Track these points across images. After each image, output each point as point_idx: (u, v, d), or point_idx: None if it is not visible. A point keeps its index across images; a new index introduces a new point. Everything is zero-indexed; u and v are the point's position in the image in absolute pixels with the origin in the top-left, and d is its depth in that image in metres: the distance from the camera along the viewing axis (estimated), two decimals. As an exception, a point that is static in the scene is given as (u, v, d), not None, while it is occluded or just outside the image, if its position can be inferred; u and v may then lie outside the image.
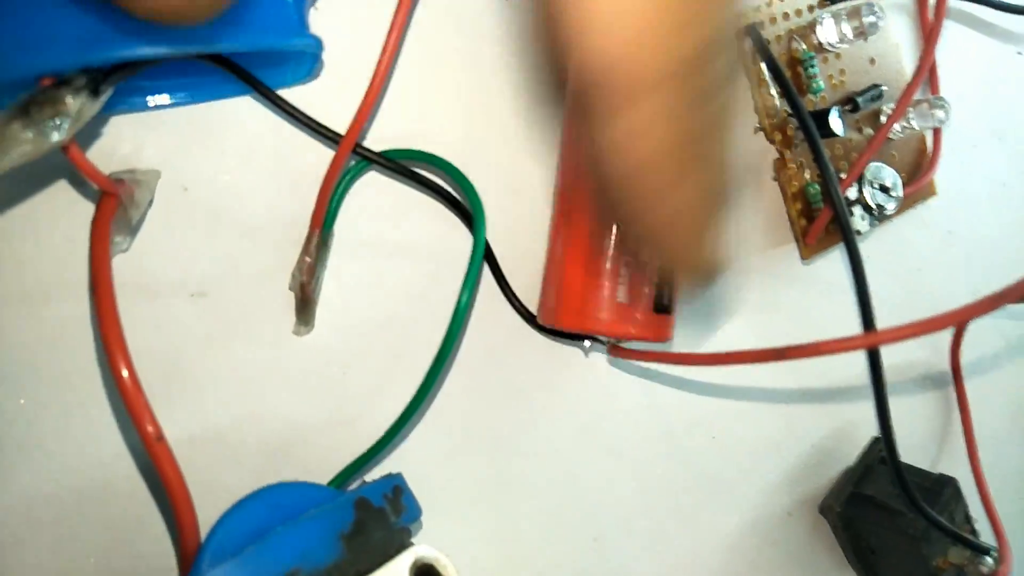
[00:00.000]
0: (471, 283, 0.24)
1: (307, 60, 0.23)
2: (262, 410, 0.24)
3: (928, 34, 0.33)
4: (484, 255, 0.26)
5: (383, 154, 0.25)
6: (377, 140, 0.25)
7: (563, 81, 0.17)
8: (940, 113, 0.31)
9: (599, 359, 0.28)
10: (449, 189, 0.26)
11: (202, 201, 0.24)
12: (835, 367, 0.33)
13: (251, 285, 0.24)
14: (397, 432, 0.24)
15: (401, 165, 0.25)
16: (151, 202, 0.23)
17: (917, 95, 0.33)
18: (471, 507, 0.27)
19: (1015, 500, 0.36)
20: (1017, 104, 0.36)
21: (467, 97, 0.27)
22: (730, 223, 0.16)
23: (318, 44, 0.22)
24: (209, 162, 0.23)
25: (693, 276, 0.17)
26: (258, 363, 0.24)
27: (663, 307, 0.25)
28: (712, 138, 0.15)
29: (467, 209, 0.26)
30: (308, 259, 0.23)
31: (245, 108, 0.24)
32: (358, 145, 0.24)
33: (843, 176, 0.31)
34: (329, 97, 0.24)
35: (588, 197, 0.24)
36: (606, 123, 0.14)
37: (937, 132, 0.33)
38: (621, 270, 0.24)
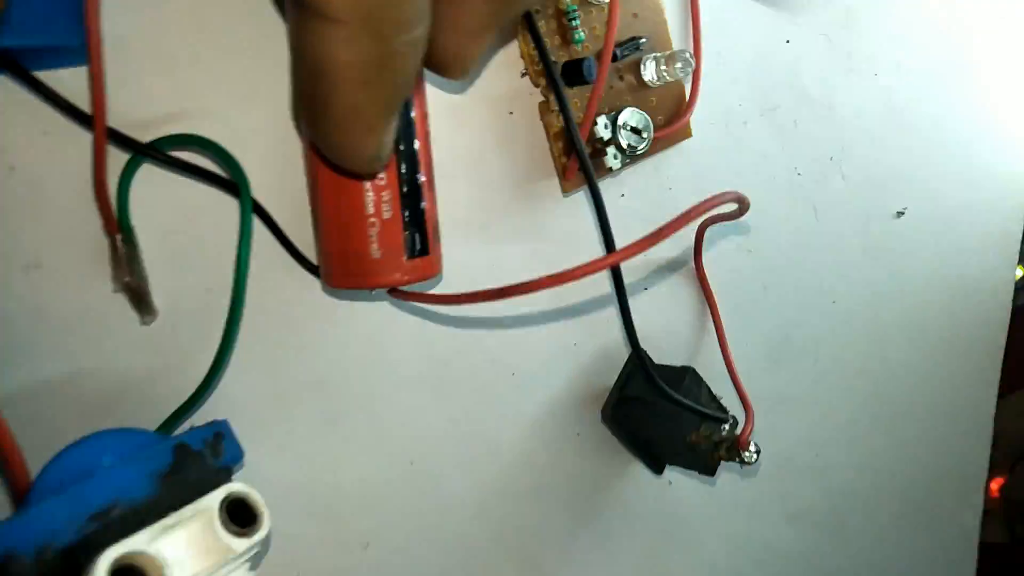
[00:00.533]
0: (245, 239, 0.28)
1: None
2: (98, 365, 0.27)
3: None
4: (267, 223, 0.30)
5: (152, 144, 0.27)
6: (148, 124, 0.28)
7: None
8: (681, 64, 0.35)
9: (383, 297, 0.32)
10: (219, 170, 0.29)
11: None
12: (598, 290, 0.38)
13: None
14: (210, 382, 0.28)
15: (168, 156, 0.27)
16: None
17: (675, 47, 0.37)
18: (294, 447, 0.31)
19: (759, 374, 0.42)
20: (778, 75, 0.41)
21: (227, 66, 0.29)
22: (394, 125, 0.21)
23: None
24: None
25: (356, 166, 0.22)
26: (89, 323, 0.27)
27: (417, 251, 0.29)
28: (390, 65, 0.18)
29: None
30: (120, 264, 0.26)
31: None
32: (118, 134, 0.26)
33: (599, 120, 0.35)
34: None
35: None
36: (313, 27, 0.17)
37: (695, 81, 0.38)
38: (370, 225, 0.28)
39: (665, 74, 0.36)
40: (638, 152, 0.35)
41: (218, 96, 0.30)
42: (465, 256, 0.34)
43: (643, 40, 0.36)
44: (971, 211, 0.48)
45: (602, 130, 0.34)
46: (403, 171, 0.28)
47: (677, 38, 0.37)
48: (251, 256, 0.31)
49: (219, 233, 0.30)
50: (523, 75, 0.34)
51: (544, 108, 0.34)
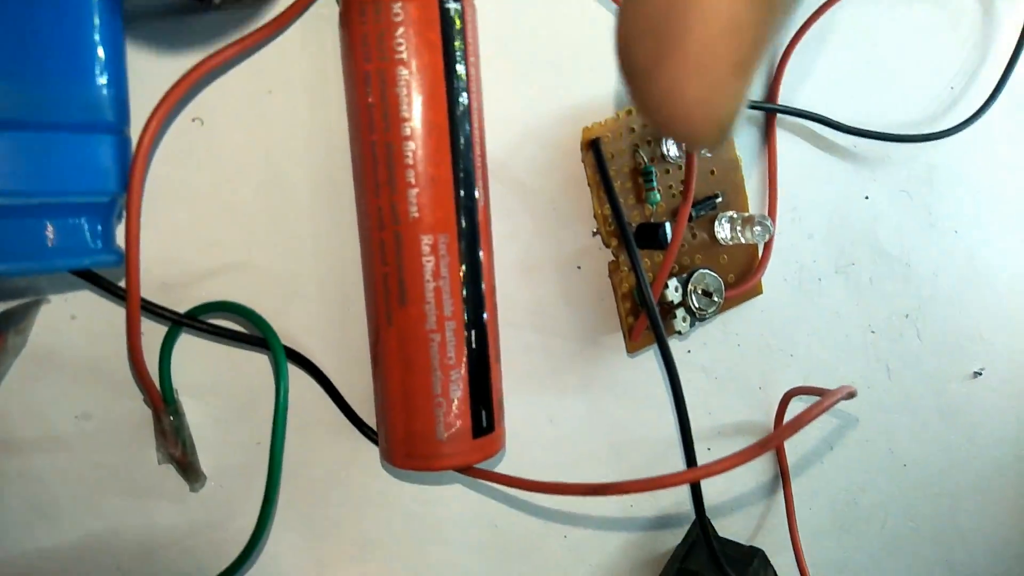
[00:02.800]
0: (282, 404, 0.28)
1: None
2: (142, 521, 0.29)
3: (770, 152, 0.37)
4: (322, 382, 0.30)
5: (188, 315, 0.28)
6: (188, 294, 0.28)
7: None
8: (759, 229, 0.34)
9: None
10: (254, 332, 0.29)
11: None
12: (661, 446, 0.36)
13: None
14: (253, 547, 0.28)
15: (206, 325, 0.28)
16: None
17: (750, 211, 0.36)
18: None
19: (823, 539, 0.40)
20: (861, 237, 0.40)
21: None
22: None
23: (118, 260, 0.24)
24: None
25: (706, 127, 0.15)
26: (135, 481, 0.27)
27: (483, 430, 0.28)
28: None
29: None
30: (166, 436, 0.26)
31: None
32: (155, 306, 0.27)
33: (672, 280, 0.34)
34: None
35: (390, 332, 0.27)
36: None
37: (768, 241, 0.37)
38: (436, 405, 0.27)
39: (740, 236, 0.35)
40: (708, 315, 0.34)
41: (272, 253, 0.29)
42: (526, 408, 0.33)
43: (719, 199, 0.35)
44: (1053, 372, 0.46)
45: (672, 293, 0.33)
46: (472, 347, 0.27)
47: (754, 194, 0.36)
48: (306, 414, 0.30)
49: (270, 387, 0.29)
50: (595, 234, 0.34)
51: (613, 267, 0.33)
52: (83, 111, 0.23)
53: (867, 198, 0.40)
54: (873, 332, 0.41)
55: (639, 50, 0.14)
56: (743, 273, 0.37)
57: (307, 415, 0.30)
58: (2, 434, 0.27)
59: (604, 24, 0.33)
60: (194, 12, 0.27)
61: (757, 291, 0.37)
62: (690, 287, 0.34)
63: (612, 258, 0.33)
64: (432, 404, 0.27)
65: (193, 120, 0.28)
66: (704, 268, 0.34)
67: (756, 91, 0.37)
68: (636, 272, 0.31)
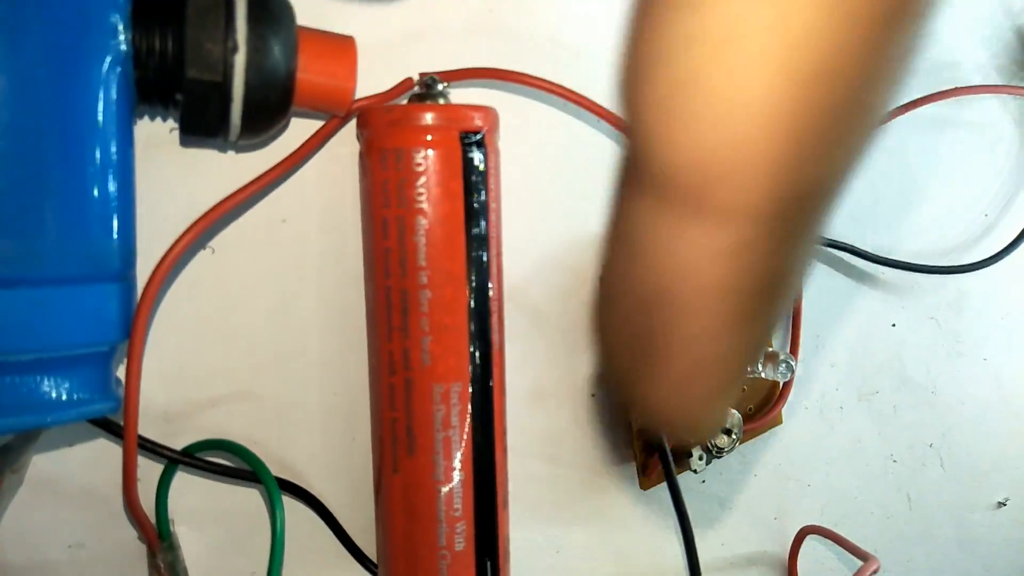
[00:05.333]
0: (279, 542, 0.27)
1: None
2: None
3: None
4: (326, 519, 0.29)
5: (184, 452, 0.27)
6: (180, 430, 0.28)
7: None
8: (782, 368, 0.33)
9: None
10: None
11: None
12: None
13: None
14: None
15: (201, 461, 0.27)
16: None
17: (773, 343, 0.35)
18: None
19: None
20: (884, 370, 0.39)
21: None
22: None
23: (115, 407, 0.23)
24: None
25: (688, 435, 0.14)
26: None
27: None
28: (777, 294, 0.12)
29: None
30: (160, 572, 0.25)
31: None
32: (152, 444, 0.26)
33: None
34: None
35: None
36: (674, 228, 0.11)
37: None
38: (440, 558, 0.26)
39: (762, 372, 0.34)
40: (725, 453, 0.33)
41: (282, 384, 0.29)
42: (531, 537, 0.32)
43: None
44: (1079, 501, 0.44)
45: (690, 430, 0.32)
46: (480, 497, 0.27)
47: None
48: (305, 544, 0.29)
49: (267, 517, 0.29)
50: (612, 366, 0.33)
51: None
52: (86, 263, 0.22)
53: (894, 325, 0.38)
54: (895, 461, 0.39)
55: (619, 360, 0.14)
56: (763, 403, 0.35)
57: (306, 544, 0.29)
58: (-8, 565, 0.26)
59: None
60: (211, 145, 0.27)
61: (776, 422, 0.36)
62: (708, 424, 0.32)
63: (628, 391, 0.32)
64: (436, 556, 0.26)
65: (204, 248, 0.27)
66: (723, 403, 0.33)
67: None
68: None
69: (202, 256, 0.27)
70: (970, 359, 0.40)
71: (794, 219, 0.11)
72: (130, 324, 0.23)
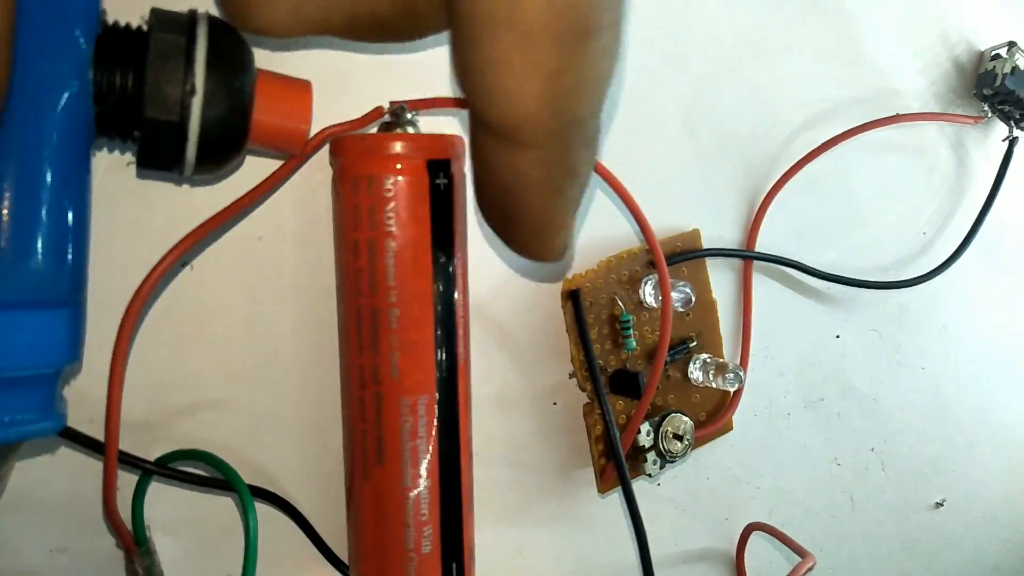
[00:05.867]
0: (251, 548, 0.28)
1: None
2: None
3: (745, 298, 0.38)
4: (302, 526, 0.31)
5: (159, 462, 0.28)
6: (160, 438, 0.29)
7: None
8: (731, 377, 0.35)
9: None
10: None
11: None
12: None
13: None
14: None
15: (176, 471, 0.28)
16: None
17: (725, 351, 0.37)
18: None
19: None
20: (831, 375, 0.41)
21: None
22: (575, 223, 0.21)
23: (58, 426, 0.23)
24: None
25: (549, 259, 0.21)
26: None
27: None
28: (571, 184, 0.19)
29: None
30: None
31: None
32: (129, 456, 0.27)
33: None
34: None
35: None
36: (501, 150, 0.18)
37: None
38: (408, 560, 0.27)
39: (712, 382, 0.36)
40: (678, 458, 0.35)
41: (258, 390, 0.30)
42: (495, 539, 0.34)
43: (693, 343, 0.36)
44: (1012, 501, 0.47)
45: (644, 438, 0.34)
46: (447, 501, 0.28)
47: (728, 335, 0.37)
48: (279, 547, 0.31)
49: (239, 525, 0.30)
50: (571, 376, 0.35)
51: (588, 409, 0.34)
52: (36, 289, 0.21)
53: (838, 337, 0.41)
54: (839, 464, 0.42)
55: (491, 224, 0.21)
56: (715, 411, 0.38)
57: (281, 547, 0.31)
58: (-25, 570, 0.27)
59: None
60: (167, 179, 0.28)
61: (727, 428, 0.38)
62: (662, 430, 0.34)
63: (588, 400, 0.34)
64: (405, 559, 0.28)
65: (182, 266, 0.29)
66: (676, 411, 0.35)
67: (734, 236, 0.38)
68: (606, 425, 0.32)
69: (180, 272, 0.29)
70: (910, 369, 0.43)
71: (569, 139, 0.18)
72: (78, 347, 0.23)
